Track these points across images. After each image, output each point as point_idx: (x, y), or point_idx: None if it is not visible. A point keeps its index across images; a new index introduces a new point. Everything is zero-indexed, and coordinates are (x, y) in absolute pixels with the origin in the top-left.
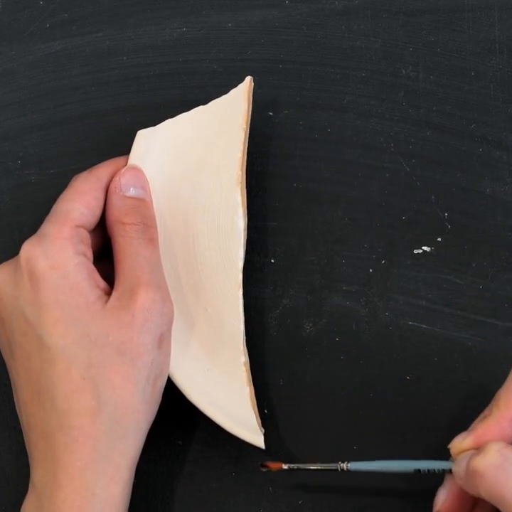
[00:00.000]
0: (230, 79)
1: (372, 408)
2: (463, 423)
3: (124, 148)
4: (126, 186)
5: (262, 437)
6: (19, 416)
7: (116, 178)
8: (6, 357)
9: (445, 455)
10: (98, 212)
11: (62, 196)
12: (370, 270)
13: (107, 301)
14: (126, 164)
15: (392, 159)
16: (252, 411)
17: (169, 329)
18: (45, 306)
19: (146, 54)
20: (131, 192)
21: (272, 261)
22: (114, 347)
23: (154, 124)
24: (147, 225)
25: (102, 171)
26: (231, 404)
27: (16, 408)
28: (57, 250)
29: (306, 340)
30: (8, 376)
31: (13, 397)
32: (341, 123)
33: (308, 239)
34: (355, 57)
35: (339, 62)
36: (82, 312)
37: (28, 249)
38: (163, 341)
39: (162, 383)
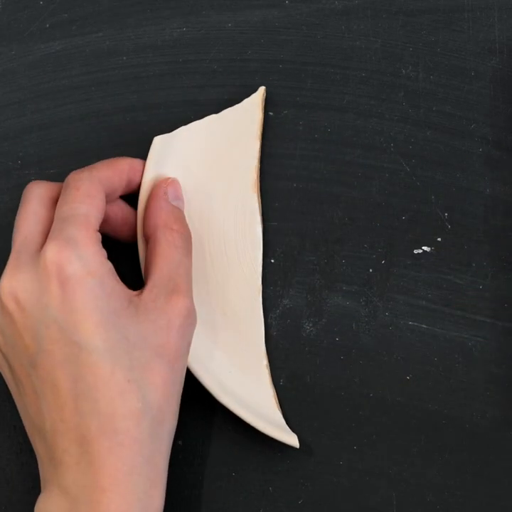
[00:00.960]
0: (230, 79)
1: (373, 408)
2: (463, 423)
3: (124, 148)
4: (172, 195)
5: (296, 436)
6: (38, 423)
7: (164, 185)
8: (18, 368)
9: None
10: (102, 216)
11: (70, 198)
12: (370, 270)
13: (137, 304)
14: (125, 165)
15: (392, 159)
16: (279, 412)
17: (191, 341)
18: (83, 311)
19: (146, 54)
20: (175, 202)
21: (272, 261)
22: (153, 349)
23: (154, 124)
24: (189, 237)
25: (103, 174)
26: (258, 405)
27: (30, 417)
28: (91, 256)
29: (306, 340)
30: None
31: (12, 398)
32: (341, 123)
33: (308, 239)
34: (355, 57)
35: (339, 62)
36: (119, 316)
37: (58, 254)
38: (189, 350)
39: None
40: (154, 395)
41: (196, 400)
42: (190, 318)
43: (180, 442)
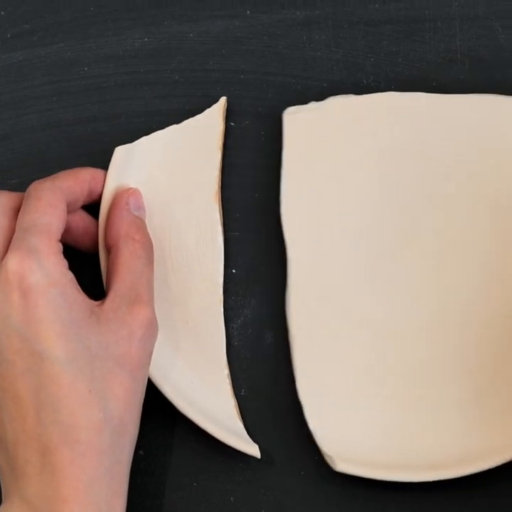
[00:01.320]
0: (191, 89)
1: None
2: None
3: (86, 158)
4: (133, 205)
5: (257, 446)
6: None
7: (125, 195)
8: None
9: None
10: (64, 227)
11: (32, 208)
12: None
13: (99, 314)
14: (87, 175)
15: None
16: (240, 422)
17: (153, 351)
18: (45, 322)
19: (108, 64)
20: (136, 212)
21: (234, 271)
22: (115, 360)
23: (116, 135)
24: (151, 247)
25: (65, 184)
26: (220, 415)
27: None
28: (53, 266)
29: (268, 350)
30: None
31: None
32: None
33: (269, 249)
34: (316, 68)
35: (300, 73)
36: (80, 327)
37: (19, 264)
38: (150, 361)
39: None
40: (116, 405)
41: (157, 410)
42: (151, 329)
43: (141, 452)
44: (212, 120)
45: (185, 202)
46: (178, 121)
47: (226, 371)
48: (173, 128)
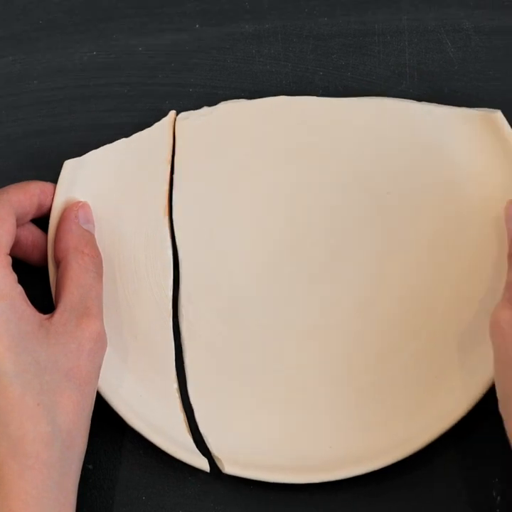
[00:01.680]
0: (140, 103)
1: None
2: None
3: (35, 172)
4: (82, 219)
5: (206, 460)
6: None
7: (75, 209)
8: None
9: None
10: (13, 240)
11: None
12: None
13: (48, 328)
14: (36, 189)
15: None
16: (190, 436)
17: (102, 364)
18: None
19: (56, 78)
20: (85, 226)
21: None
22: (63, 373)
23: (65, 148)
24: (100, 260)
25: (14, 197)
26: (169, 429)
27: None
28: (1, 279)
29: None
30: None
31: None
32: None
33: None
34: (265, 81)
35: (249, 86)
36: (29, 340)
37: None
38: (99, 374)
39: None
40: (64, 419)
41: (107, 424)
42: (100, 342)
43: (90, 466)
44: (161, 134)
45: (134, 216)
46: (127, 135)
47: (175, 385)
48: (122, 142)
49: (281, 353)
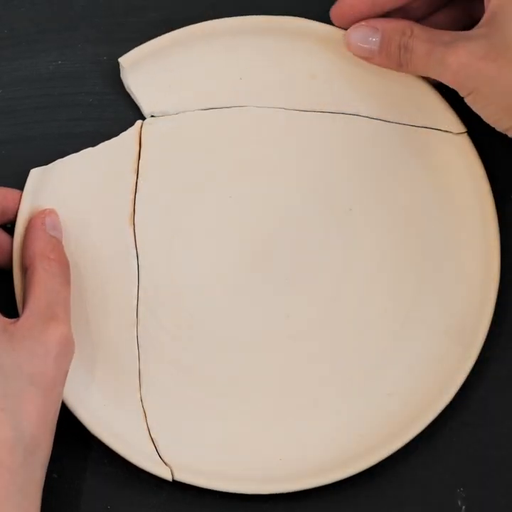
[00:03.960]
0: (106, 112)
1: None
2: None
3: (0, 181)
4: (49, 225)
5: (169, 469)
6: None
7: (42, 216)
8: None
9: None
10: None
11: None
12: None
13: (13, 332)
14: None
15: None
16: (153, 445)
17: (68, 370)
18: None
19: (22, 87)
20: (52, 232)
21: None
22: (28, 378)
23: (31, 157)
24: (68, 266)
25: None
26: (132, 438)
27: None
28: None
29: None
30: None
31: None
32: None
33: None
34: None
35: None
36: None
37: None
38: (66, 379)
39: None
40: (28, 424)
41: (71, 433)
42: (68, 347)
43: (55, 475)
44: (128, 143)
45: (100, 224)
46: (93, 144)
47: (139, 395)
48: (88, 151)
49: (235, 363)
